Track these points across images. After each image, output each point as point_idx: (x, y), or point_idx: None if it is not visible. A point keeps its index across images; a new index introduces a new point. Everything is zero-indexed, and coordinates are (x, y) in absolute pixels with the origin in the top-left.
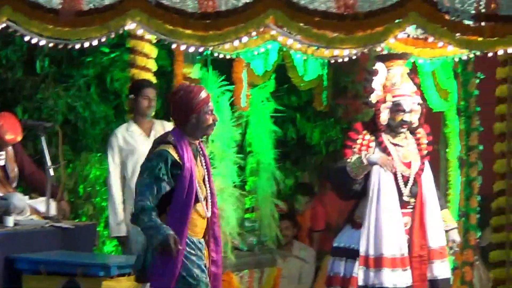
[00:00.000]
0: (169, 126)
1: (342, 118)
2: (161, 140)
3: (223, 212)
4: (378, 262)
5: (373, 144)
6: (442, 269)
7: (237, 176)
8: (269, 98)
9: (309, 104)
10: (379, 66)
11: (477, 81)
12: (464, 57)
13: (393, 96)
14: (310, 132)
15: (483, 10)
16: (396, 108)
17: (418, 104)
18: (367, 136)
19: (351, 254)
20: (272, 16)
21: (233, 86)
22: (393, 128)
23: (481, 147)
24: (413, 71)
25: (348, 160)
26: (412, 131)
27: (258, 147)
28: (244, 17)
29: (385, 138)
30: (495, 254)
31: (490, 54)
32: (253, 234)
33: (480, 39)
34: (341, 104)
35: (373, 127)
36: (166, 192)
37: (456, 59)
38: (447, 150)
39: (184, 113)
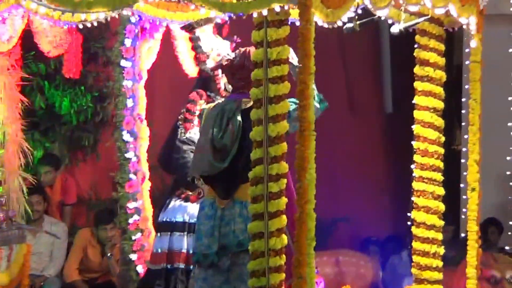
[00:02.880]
0: None
1: (93, 86)
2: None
3: None
4: None
5: None
6: None
7: None
8: (15, 65)
9: (58, 71)
10: (198, 32)
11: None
12: (219, 21)
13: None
14: (59, 101)
15: None
16: None
17: None
18: (203, 106)
19: (177, 227)
20: None
21: None
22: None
23: None
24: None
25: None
26: None
27: (4, 118)
28: None
29: None
30: (254, 225)
31: (244, 17)
32: (0, 210)
33: (234, 1)
34: (92, 71)
35: (207, 95)
36: None
37: None
38: None
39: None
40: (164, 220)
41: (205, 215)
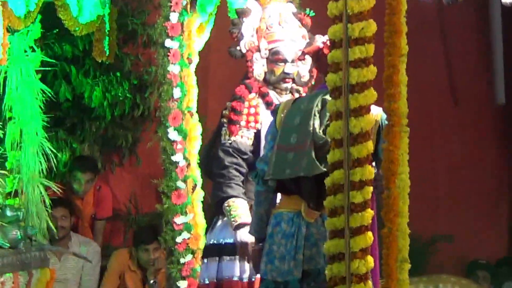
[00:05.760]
0: None
1: (131, 72)
2: None
3: None
4: None
5: (260, 109)
6: None
7: None
8: (34, 47)
9: (87, 54)
10: (251, 4)
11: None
12: None
13: (269, 42)
14: (89, 90)
15: None
16: (274, 58)
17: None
18: (254, 101)
19: (226, 250)
20: None
21: None
22: (273, 84)
23: None
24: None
25: (227, 197)
26: (302, 86)
27: (21, 112)
28: None
29: (274, 97)
30: (332, 244)
31: None
32: (17, 226)
33: None
34: (130, 53)
35: (256, 85)
36: None
37: None
38: None
39: None
40: (211, 242)
41: (282, 233)
